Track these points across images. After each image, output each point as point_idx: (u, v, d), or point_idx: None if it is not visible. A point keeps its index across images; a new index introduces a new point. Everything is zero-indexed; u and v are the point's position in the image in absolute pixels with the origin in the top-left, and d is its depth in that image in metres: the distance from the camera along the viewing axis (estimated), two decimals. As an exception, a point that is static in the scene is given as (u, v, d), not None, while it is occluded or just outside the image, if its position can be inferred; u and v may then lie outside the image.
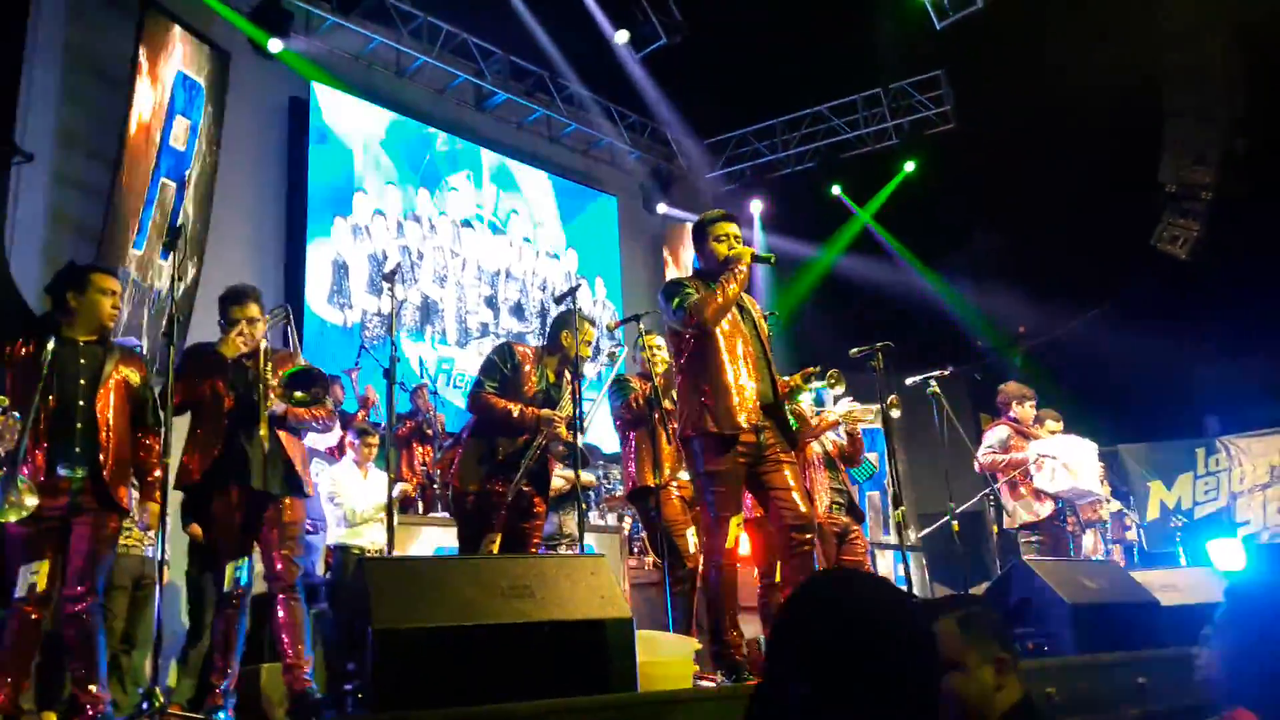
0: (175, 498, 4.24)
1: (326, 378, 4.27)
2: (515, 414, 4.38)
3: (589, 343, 4.65)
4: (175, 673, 5.99)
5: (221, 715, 3.87)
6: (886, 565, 9.02)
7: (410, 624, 2.34)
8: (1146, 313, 10.71)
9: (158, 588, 3.93)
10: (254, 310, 4.15)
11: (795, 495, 3.48)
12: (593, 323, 4.77)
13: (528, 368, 4.52)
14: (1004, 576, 3.60)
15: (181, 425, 4.17)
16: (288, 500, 4.11)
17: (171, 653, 5.90)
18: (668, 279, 4.31)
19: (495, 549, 4.25)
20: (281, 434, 4.14)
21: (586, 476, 6.32)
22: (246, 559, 4.05)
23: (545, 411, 4.42)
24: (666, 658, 3.23)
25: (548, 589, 2.57)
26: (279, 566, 4.04)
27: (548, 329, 4.80)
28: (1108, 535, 6.88)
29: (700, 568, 4.91)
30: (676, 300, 3.76)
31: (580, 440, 4.52)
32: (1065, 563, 3.84)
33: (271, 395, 4.03)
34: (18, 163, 6.46)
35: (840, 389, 5.29)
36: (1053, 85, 9.78)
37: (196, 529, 6.01)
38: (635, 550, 8.22)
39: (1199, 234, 9.35)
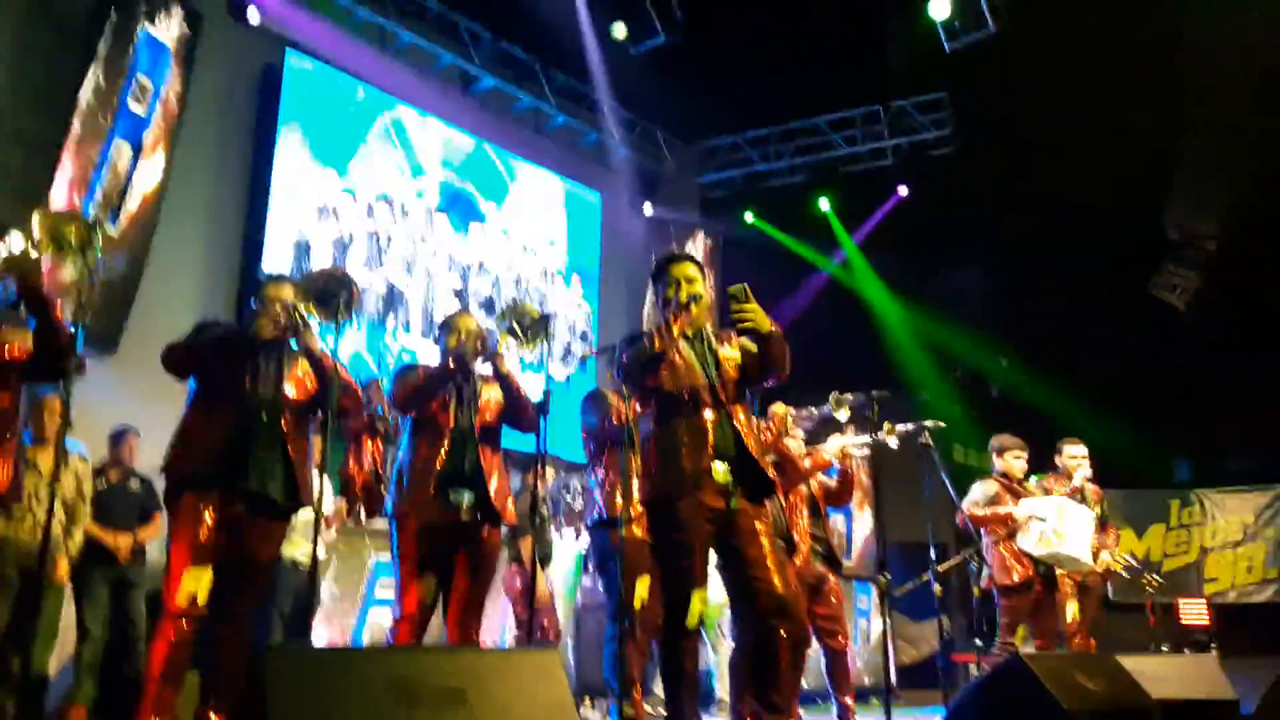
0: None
1: (347, 278, 3.64)
2: (430, 371, 3.96)
3: (472, 333, 4.10)
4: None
5: None
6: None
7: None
8: (1133, 357, 10.50)
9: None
10: (288, 293, 3.70)
11: (774, 577, 3.02)
12: (469, 314, 4.31)
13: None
14: (997, 673, 3.25)
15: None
16: (274, 523, 3.61)
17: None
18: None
19: (428, 592, 3.75)
20: (288, 427, 3.60)
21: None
22: (209, 571, 3.42)
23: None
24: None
25: (484, 695, 2.13)
26: (243, 598, 3.52)
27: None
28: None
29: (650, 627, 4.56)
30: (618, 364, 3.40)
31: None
32: (1063, 659, 3.51)
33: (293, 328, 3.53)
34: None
35: (844, 413, 4.91)
36: (1059, 120, 9.51)
37: (96, 529, 5.36)
38: (590, 568, 7.84)
39: (1198, 284, 9.10)
